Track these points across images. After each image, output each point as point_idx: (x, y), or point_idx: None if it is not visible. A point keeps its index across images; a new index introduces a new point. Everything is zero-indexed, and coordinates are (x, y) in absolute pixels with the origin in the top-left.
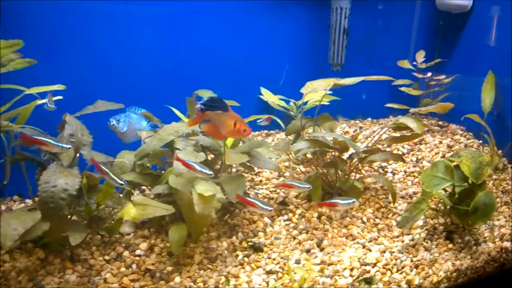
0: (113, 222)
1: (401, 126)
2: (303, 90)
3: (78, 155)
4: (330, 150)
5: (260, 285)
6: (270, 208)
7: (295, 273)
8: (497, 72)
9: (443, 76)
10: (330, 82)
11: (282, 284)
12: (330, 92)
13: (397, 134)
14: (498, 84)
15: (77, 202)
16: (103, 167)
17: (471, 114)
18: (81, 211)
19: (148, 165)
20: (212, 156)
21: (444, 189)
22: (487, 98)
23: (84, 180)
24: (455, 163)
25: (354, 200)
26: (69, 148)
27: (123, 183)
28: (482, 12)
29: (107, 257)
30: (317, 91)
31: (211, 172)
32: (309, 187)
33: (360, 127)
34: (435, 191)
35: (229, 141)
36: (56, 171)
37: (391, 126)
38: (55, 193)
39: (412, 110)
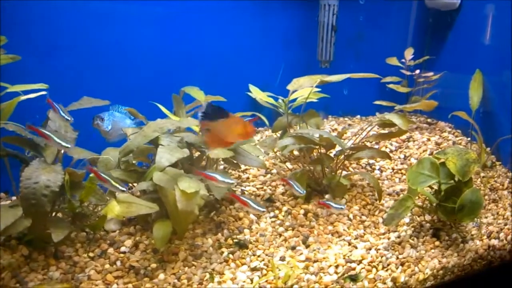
0: (97, 219)
1: (387, 123)
2: (289, 87)
3: (62, 151)
4: (317, 147)
5: (244, 282)
6: (262, 209)
7: (279, 270)
8: (486, 70)
9: (431, 73)
10: (316, 79)
11: (266, 281)
12: (319, 89)
13: (386, 131)
14: (486, 82)
15: (62, 199)
16: (102, 174)
17: (458, 112)
18: (65, 208)
19: (134, 162)
20: (199, 153)
21: (431, 187)
22: (475, 95)
23: (66, 176)
24: (441, 161)
25: (343, 207)
26: (69, 147)
27: (124, 189)
28: (470, 10)
29: (91, 254)
30: (303, 88)
31: (233, 181)
32: (302, 193)
33: (349, 124)
34: (420, 189)
35: None
36: (38, 168)
37: (378, 123)
38: (36, 190)
39: (397, 107)
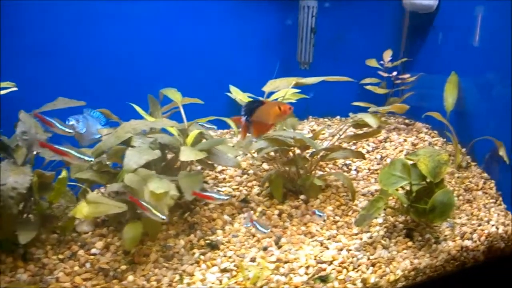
0: (67, 220)
1: (360, 123)
2: (264, 88)
3: (34, 153)
4: (291, 148)
5: (213, 283)
6: (225, 197)
7: (249, 271)
8: (462, 71)
9: (407, 75)
10: (292, 81)
11: (235, 282)
12: (298, 90)
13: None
14: (463, 83)
15: (33, 201)
16: (143, 203)
17: (432, 112)
18: (34, 210)
19: (108, 163)
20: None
21: (404, 188)
22: (450, 97)
23: (35, 178)
24: (413, 162)
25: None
26: (92, 160)
27: (164, 218)
28: (447, 12)
29: (61, 256)
30: (279, 90)
31: (227, 198)
32: (266, 232)
33: (329, 125)
34: (391, 190)
35: (190, 138)
36: (7, 169)
37: (351, 124)
38: (3, 192)
39: (371, 109)
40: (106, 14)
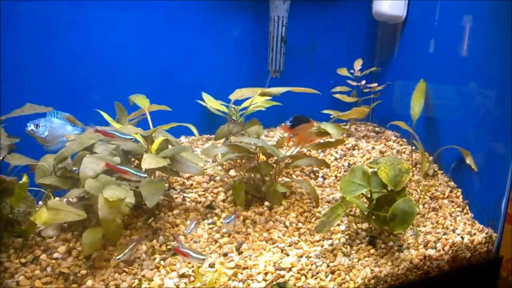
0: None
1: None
2: (231, 97)
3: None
4: (252, 155)
5: None
6: (143, 175)
7: (206, 277)
8: (430, 80)
9: (375, 84)
10: (257, 90)
11: (193, 287)
12: (270, 98)
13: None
14: (430, 91)
15: None
16: (120, 167)
17: (397, 121)
18: None
19: (74, 168)
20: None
21: (365, 195)
22: (416, 105)
23: None
24: (374, 170)
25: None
26: (145, 176)
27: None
28: (415, 23)
29: (23, 260)
30: (244, 98)
31: (204, 257)
32: (203, 258)
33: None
34: (349, 197)
35: (155, 145)
36: None
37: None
38: None
39: (332, 116)
40: (72, 19)
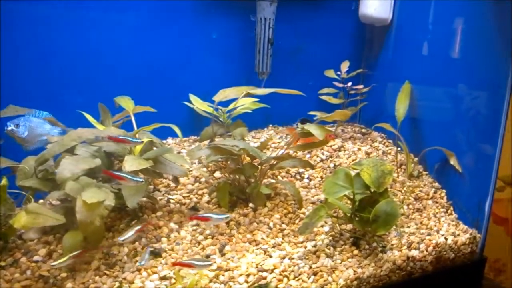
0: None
1: (306, 132)
2: (215, 98)
3: None
4: (236, 157)
5: None
6: (140, 180)
7: (187, 279)
8: (416, 81)
9: (361, 86)
10: (242, 90)
11: None
12: (257, 99)
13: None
14: (416, 93)
15: None
16: (116, 173)
17: (382, 123)
18: None
19: (56, 170)
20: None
21: (348, 197)
22: (401, 107)
23: None
24: (357, 171)
25: (227, 216)
26: (142, 181)
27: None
28: (401, 25)
29: (2, 263)
30: (228, 99)
31: (210, 263)
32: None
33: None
34: (331, 199)
35: (138, 146)
36: None
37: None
38: None
39: (316, 118)
40: (56, 18)
